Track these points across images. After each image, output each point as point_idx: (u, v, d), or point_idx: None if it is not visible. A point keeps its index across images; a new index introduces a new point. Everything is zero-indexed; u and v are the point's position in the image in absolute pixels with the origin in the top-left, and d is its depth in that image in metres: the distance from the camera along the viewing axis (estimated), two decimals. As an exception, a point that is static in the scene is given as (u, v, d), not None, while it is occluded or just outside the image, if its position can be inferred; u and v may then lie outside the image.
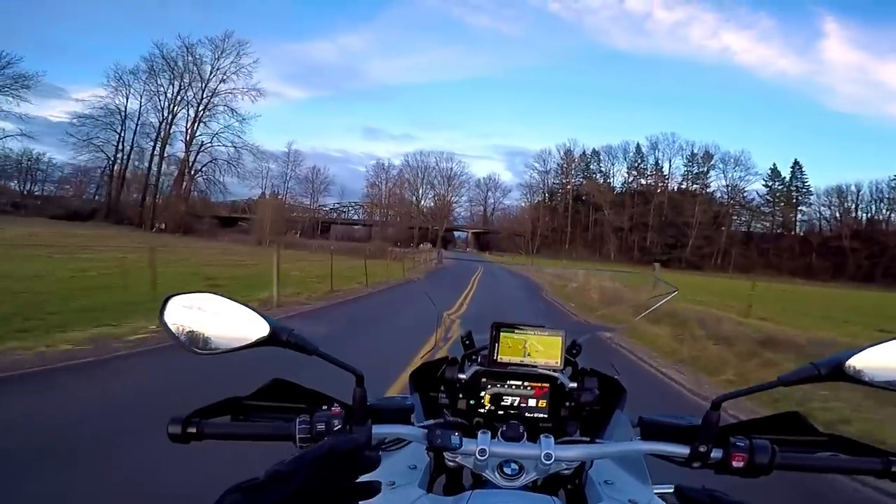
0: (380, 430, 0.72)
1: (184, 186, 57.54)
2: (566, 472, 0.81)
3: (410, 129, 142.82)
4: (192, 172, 58.35)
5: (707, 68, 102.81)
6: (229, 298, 0.68)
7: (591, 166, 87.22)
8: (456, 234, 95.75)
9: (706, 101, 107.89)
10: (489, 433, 0.75)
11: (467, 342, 1.02)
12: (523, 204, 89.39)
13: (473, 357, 0.98)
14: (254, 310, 0.67)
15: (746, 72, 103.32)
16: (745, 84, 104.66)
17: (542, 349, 0.92)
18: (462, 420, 0.89)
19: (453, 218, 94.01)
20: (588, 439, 0.84)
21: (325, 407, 0.71)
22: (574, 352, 1.01)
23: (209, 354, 0.67)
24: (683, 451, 0.70)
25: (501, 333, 0.92)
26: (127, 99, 57.43)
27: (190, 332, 0.68)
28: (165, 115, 58.39)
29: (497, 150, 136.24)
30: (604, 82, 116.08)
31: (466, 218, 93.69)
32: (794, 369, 0.66)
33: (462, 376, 0.93)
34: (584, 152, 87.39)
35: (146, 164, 58.02)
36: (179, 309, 0.68)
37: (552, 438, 0.73)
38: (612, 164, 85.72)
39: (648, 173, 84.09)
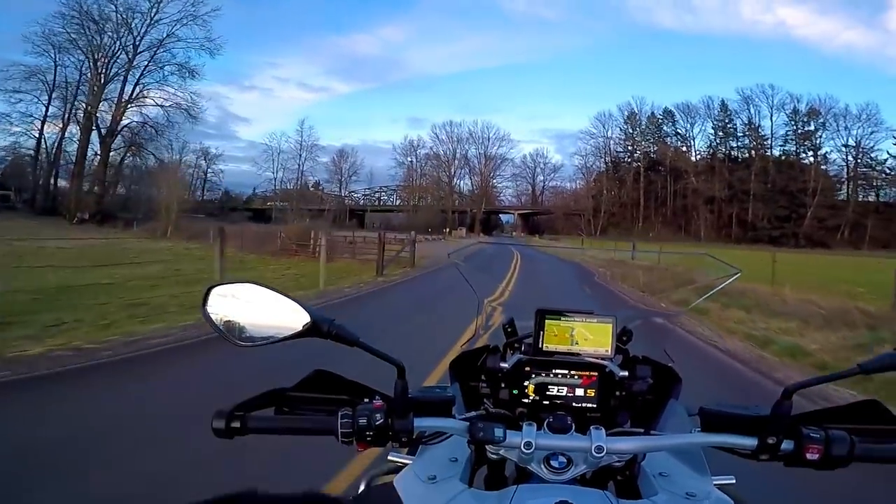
0: (421, 424, 0.69)
1: (102, 164, 46.08)
2: (617, 464, 0.77)
3: (454, 116, 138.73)
4: (109, 141, 46.12)
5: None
6: (271, 288, 0.67)
7: (665, 128, 70.57)
8: (502, 217, 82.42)
9: (805, 51, 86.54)
10: (534, 425, 0.71)
11: (509, 330, 0.99)
12: (580, 180, 74.23)
13: (516, 345, 0.96)
14: (295, 300, 0.66)
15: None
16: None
17: (592, 337, 0.89)
18: (505, 411, 0.87)
19: (498, 200, 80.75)
20: (642, 431, 0.81)
21: (366, 400, 0.69)
22: (625, 339, 0.95)
23: (251, 346, 0.66)
24: (750, 442, 0.66)
25: (546, 320, 0.90)
26: (56, 66, 45.27)
27: (232, 322, 0.67)
28: (90, 76, 45.89)
29: (545, 133, 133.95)
30: (660, 54, 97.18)
31: (513, 199, 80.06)
32: (876, 356, 0.62)
33: (504, 365, 0.90)
34: (652, 113, 70.82)
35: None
36: (221, 299, 0.68)
37: (603, 430, 0.70)
38: (692, 125, 68.57)
39: (740, 134, 66.23)
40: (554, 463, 0.70)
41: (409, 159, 79.28)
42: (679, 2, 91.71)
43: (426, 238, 46.49)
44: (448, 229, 65.14)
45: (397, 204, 78.88)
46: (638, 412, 0.90)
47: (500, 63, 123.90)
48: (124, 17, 45.87)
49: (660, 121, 70.72)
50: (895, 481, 2.24)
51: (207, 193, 76.91)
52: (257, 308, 0.66)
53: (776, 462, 0.67)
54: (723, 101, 66.25)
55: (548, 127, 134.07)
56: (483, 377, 0.93)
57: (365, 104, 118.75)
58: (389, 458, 0.89)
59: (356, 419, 0.65)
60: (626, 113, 71.47)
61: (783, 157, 63.47)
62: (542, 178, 79.45)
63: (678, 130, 69.69)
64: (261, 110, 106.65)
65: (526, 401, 0.88)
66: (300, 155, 75.32)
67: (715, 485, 0.74)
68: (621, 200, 68.23)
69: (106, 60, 46.31)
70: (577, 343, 0.89)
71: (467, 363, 0.96)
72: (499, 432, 0.67)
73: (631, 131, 71.62)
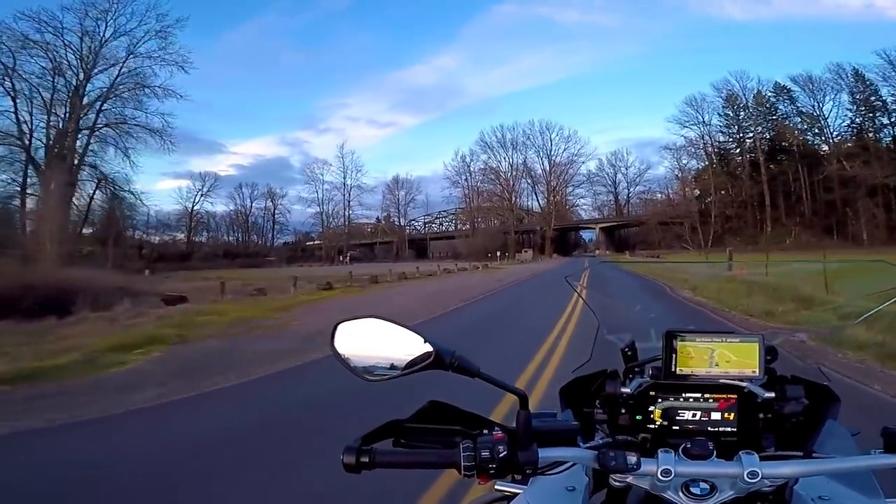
0: (547, 454, 0.69)
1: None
2: (768, 489, 0.73)
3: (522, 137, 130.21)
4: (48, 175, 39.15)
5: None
6: (394, 322, 0.69)
7: (780, 107, 55.30)
8: (584, 234, 70.28)
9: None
10: (671, 452, 0.70)
11: (629, 353, 0.97)
12: (674, 179, 60.51)
13: (637, 369, 0.92)
14: (418, 332, 0.68)
15: None
16: None
17: (735, 358, 0.84)
18: (631, 437, 0.84)
19: (574, 214, 69.02)
20: (801, 454, 0.77)
21: (486, 431, 0.69)
22: (769, 358, 0.89)
23: (378, 380, 0.69)
24: None
25: (679, 342, 0.86)
26: (15, 103, 40.80)
27: (359, 358, 0.70)
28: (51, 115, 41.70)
29: (622, 143, 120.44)
30: (745, 34, 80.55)
31: (593, 213, 67.84)
32: None
33: (626, 391, 0.87)
34: (758, 91, 55.93)
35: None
36: (348, 336, 0.71)
37: (755, 455, 0.69)
38: (820, 101, 52.68)
39: (893, 107, 49.27)
40: (695, 490, 0.68)
41: (462, 178, 70.71)
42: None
43: (465, 267, 36.97)
44: (506, 253, 54.56)
45: (459, 228, 70.27)
46: (785, 434, 0.84)
47: (561, 77, 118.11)
48: (63, 38, 41.58)
49: (772, 99, 55.87)
50: None
51: (278, 236, 74.27)
52: (381, 341, 0.68)
53: None
54: (856, 69, 50.21)
55: (625, 137, 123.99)
56: (598, 402, 0.89)
57: (431, 134, 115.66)
58: (497, 487, 0.87)
59: (478, 451, 0.64)
60: (724, 93, 57.56)
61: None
62: (625, 184, 66.86)
63: (800, 109, 54.32)
64: (337, 151, 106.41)
65: (651, 426, 0.84)
66: (344, 184, 69.90)
67: None
68: (738, 200, 53.80)
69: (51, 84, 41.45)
70: (717, 365, 0.83)
71: (579, 389, 0.95)
72: (632, 460, 0.65)
73: (734, 115, 57.36)
